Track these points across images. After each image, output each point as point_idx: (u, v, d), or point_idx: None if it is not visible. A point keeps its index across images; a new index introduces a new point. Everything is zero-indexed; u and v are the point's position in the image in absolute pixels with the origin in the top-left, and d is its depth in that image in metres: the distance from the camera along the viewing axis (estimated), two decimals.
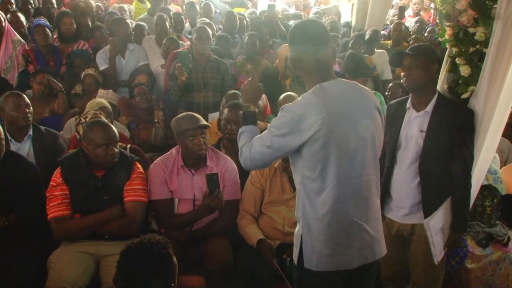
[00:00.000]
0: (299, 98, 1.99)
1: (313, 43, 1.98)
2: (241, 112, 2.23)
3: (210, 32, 4.35)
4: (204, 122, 2.95)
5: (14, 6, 5.45)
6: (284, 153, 1.99)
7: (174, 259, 1.74)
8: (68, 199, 2.75)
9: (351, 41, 5.51)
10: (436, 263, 2.57)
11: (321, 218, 1.96)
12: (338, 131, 1.91)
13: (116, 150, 2.78)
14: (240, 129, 2.15)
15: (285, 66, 4.51)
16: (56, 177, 2.78)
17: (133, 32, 5.03)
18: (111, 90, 4.35)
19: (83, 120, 3.23)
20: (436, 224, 2.53)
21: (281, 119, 1.95)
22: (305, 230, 2.00)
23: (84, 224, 2.73)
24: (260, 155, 1.98)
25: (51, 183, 2.78)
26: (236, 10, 6.61)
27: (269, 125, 2.00)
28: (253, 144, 2.00)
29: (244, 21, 6.03)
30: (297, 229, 2.06)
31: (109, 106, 3.76)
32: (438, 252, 2.56)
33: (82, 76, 4.38)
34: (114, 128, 2.85)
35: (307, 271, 2.00)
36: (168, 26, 5.17)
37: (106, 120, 3.00)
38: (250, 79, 2.28)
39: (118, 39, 4.69)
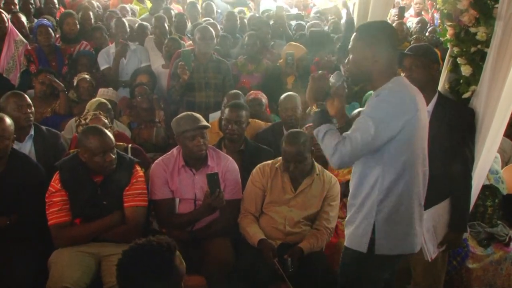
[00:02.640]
0: (390, 87, 2.02)
1: (391, 43, 2.07)
2: (313, 111, 2.16)
3: (214, 32, 4.35)
4: (204, 122, 2.95)
5: (17, 7, 5.47)
6: (384, 141, 1.99)
7: (179, 262, 1.71)
8: (67, 205, 2.72)
9: None
10: (430, 260, 2.57)
11: (399, 202, 2.05)
12: (421, 120, 2.04)
13: (113, 156, 2.73)
14: (317, 129, 2.09)
15: (286, 63, 4.52)
16: (55, 183, 2.74)
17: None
18: (111, 88, 4.34)
19: (83, 121, 3.23)
20: (428, 222, 2.53)
21: (383, 106, 1.97)
22: (380, 216, 2.05)
23: (84, 232, 2.72)
24: (362, 146, 1.96)
25: (49, 188, 2.75)
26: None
27: (364, 115, 1.99)
28: (351, 138, 1.96)
29: (245, 20, 6.04)
30: (360, 217, 2.10)
31: (108, 104, 3.75)
32: (431, 249, 2.57)
33: (75, 82, 4.33)
34: (109, 133, 2.78)
35: (376, 257, 2.08)
36: (167, 27, 5.18)
37: (100, 127, 2.86)
38: (316, 75, 2.23)
39: (122, 41, 4.73)
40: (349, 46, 2.13)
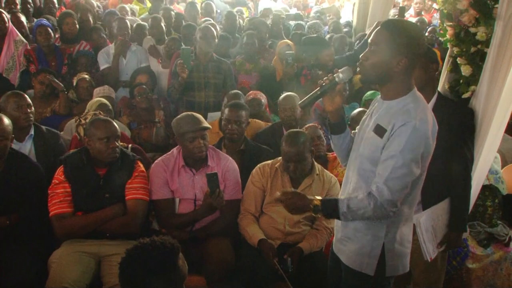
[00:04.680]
0: (412, 108, 1.83)
1: (419, 51, 1.86)
2: (311, 211, 2.00)
3: (215, 31, 4.36)
4: (204, 124, 2.94)
5: (18, 7, 5.46)
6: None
7: (181, 263, 1.71)
8: (70, 197, 2.75)
9: (357, 42, 5.48)
10: (429, 260, 2.57)
11: (409, 221, 2.00)
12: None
13: (117, 144, 2.80)
14: (341, 214, 1.91)
15: (286, 64, 4.49)
16: (59, 175, 2.79)
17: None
18: (106, 86, 4.32)
19: (83, 121, 3.23)
20: (427, 222, 2.53)
21: (415, 138, 1.79)
22: (389, 238, 1.94)
23: (85, 222, 2.73)
24: (404, 187, 1.83)
25: (53, 180, 2.79)
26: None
27: (391, 146, 1.81)
28: (386, 185, 1.80)
29: (241, 20, 6.05)
30: (366, 238, 1.96)
31: (109, 104, 3.75)
32: (430, 249, 2.57)
33: (75, 82, 4.34)
34: (115, 124, 2.88)
35: (387, 279, 2.01)
36: (164, 27, 5.17)
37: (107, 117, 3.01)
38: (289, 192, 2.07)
39: (125, 39, 4.73)
40: (373, 40, 1.87)
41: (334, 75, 1.99)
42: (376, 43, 1.86)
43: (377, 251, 1.96)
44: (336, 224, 2.19)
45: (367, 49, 1.91)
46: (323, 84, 2.01)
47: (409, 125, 1.79)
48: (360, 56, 1.94)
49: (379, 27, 1.88)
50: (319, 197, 2.00)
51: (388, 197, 1.81)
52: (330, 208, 1.94)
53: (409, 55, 1.83)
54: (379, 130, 1.89)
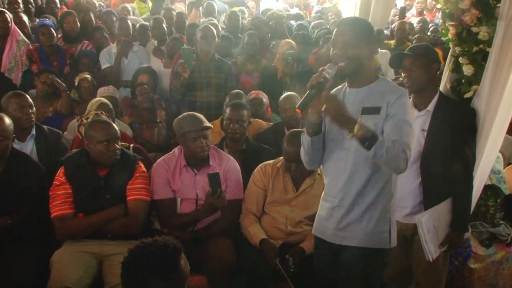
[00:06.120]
0: (394, 85, 2.10)
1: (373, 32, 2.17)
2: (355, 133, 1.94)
3: (215, 31, 4.36)
4: (206, 123, 2.94)
5: (21, 6, 5.47)
6: None
7: (183, 264, 1.71)
8: (71, 198, 2.76)
9: None
10: (431, 260, 2.56)
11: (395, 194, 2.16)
12: None
13: (117, 146, 2.79)
14: (381, 141, 1.89)
15: (286, 63, 4.49)
16: (60, 176, 2.79)
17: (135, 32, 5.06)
18: (111, 86, 4.33)
19: (84, 121, 3.23)
20: (429, 222, 2.53)
21: (409, 110, 2.05)
22: (391, 210, 2.13)
23: (86, 223, 2.74)
24: (412, 138, 2.06)
25: (54, 182, 2.79)
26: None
27: (404, 118, 1.99)
28: (403, 137, 1.95)
29: (243, 21, 6.05)
30: (375, 216, 2.09)
31: (110, 104, 3.75)
32: (432, 249, 2.56)
33: (76, 82, 4.34)
34: (115, 125, 2.87)
35: (390, 250, 2.17)
36: (165, 28, 5.18)
37: (107, 119, 3.01)
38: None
39: (127, 40, 4.74)
40: (342, 35, 2.06)
41: (323, 73, 2.03)
42: (354, 39, 2.04)
43: (387, 224, 2.12)
44: (327, 217, 2.21)
45: (338, 45, 2.06)
46: (314, 83, 2.00)
47: (403, 98, 2.03)
48: (335, 52, 2.06)
49: (339, 26, 2.11)
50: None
51: (410, 153, 1.97)
52: (370, 132, 1.90)
53: (374, 43, 2.12)
54: (371, 110, 2.05)
